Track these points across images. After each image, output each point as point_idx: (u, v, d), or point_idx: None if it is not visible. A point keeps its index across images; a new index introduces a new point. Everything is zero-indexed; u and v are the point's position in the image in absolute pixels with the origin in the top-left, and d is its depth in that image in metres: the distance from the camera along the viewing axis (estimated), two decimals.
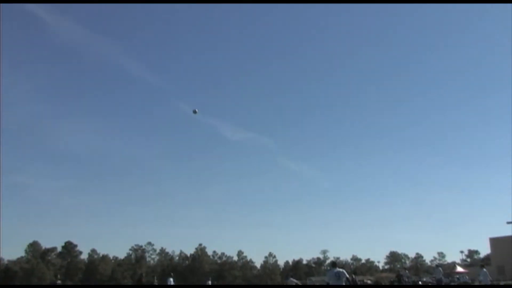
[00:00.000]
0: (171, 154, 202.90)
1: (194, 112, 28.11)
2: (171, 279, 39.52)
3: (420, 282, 55.07)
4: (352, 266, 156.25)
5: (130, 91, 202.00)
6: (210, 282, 54.53)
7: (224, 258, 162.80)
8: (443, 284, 41.72)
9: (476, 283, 71.34)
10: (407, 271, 51.05)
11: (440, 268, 42.13)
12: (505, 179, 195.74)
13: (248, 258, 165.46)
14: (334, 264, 17.83)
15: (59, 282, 27.88)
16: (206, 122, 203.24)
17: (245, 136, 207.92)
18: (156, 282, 40.37)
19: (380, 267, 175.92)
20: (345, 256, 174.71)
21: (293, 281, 30.00)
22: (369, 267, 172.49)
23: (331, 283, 16.73)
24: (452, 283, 40.63)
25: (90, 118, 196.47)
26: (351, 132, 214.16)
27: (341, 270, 17.10)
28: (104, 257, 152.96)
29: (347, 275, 16.98)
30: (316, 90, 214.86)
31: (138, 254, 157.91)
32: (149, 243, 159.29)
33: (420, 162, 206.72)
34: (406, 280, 46.45)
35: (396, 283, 45.21)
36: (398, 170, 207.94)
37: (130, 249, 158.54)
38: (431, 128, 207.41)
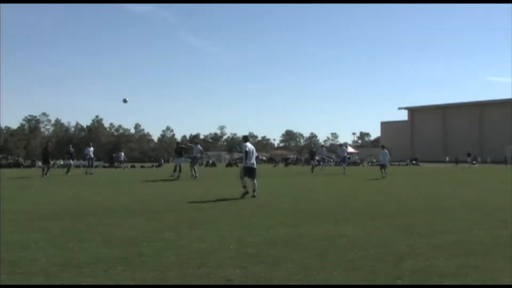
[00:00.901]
0: (68, 22, 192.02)
1: (124, 101, 26.82)
2: (91, 149, 37.95)
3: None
4: None
5: None
6: (123, 155, 53.03)
7: (121, 131, 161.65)
8: (346, 162, 41.58)
9: (369, 162, 75.09)
10: (324, 149, 47.77)
11: (344, 147, 42.44)
12: (400, 67, 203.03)
13: (146, 131, 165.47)
14: (246, 138, 17.50)
15: None
16: None
17: (147, 8, 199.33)
18: (72, 150, 38.40)
19: (276, 145, 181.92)
20: (242, 132, 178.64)
21: (200, 148, 30.25)
22: (265, 144, 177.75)
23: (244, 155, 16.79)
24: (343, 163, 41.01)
25: None
26: (256, 8, 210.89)
27: (252, 146, 17.08)
28: None
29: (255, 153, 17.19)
30: None
31: (32, 125, 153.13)
32: (44, 114, 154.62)
33: (321, 45, 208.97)
34: (325, 158, 44.20)
35: (310, 161, 42.96)
36: (297, 52, 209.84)
37: (24, 120, 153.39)
38: (332, 14, 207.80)
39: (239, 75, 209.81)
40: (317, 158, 41.16)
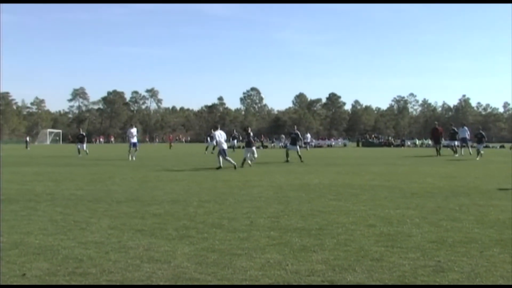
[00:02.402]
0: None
1: None
2: (465, 128, 37.30)
3: None
4: None
5: None
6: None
7: (488, 110, 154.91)
8: None
9: None
10: None
11: None
12: None
13: None
14: None
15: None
16: None
17: None
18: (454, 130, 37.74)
19: None
20: None
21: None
22: None
23: None
24: None
25: None
26: None
27: None
28: (367, 108, 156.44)
29: None
30: None
31: (400, 105, 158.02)
32: (412, 94, 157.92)
33: None
34: None
35: None
36: None
37: (392, 100, 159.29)
38: None
39: None
40: None
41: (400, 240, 6.72)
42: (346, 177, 16.72)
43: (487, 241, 6.63)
